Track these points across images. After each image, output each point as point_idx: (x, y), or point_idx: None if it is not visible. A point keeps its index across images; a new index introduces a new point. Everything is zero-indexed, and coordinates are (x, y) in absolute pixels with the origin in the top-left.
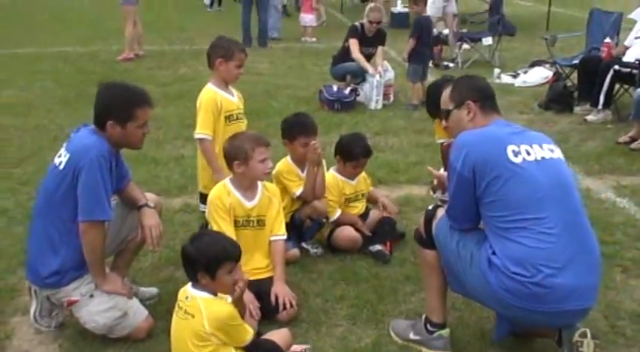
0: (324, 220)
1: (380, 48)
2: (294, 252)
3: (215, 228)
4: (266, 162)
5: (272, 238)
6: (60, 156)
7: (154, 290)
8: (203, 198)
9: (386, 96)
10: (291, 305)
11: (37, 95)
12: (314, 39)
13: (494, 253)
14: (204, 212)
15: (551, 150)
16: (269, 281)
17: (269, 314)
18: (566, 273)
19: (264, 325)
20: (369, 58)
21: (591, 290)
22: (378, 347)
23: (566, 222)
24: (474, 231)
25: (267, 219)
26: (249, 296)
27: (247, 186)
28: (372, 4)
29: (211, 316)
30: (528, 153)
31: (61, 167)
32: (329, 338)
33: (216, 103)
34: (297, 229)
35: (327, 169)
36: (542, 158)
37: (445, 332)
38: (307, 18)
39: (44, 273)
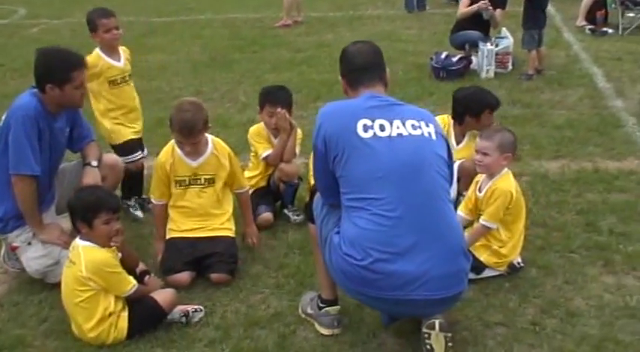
0: (297, 182)
1: (499, 10)
2: (267, 216)
3: (152, 187)
4: (182, 145)
5: (235, 192)
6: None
7: None
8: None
9: (502, 64)
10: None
11: (177, 59)
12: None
13: (338, 232)
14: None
15: (415, 127)
16: (220, 239)
17: (203, 273)
18: (405, 260)
19: (199, 283)
20: (487, 22)
21: (443, 279)
22: (278, 316)
23: (410, 205)
24: (338, 209)
25: (217, 178)
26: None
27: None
28: None
29: (88, 260)
30: (382, 129)
31: (1, 123)
32: (239, 304)
33: (99, 68)
34: (273, 193)
35: None
36: (399, 134)
37: (333, 309)
38: None
39: None
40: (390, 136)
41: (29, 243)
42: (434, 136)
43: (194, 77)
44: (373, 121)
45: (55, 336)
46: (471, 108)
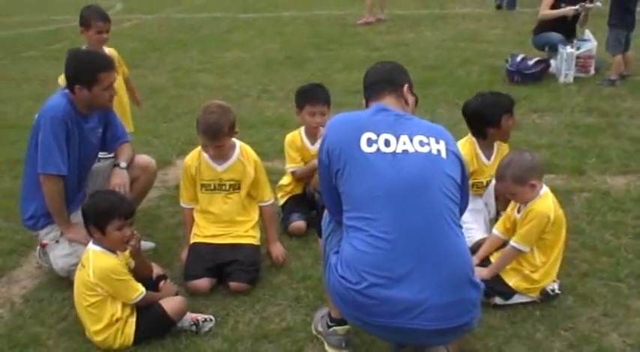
0: None
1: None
2: (299, 224)
3: (181, 190)
4: (207, 148)
5: (259, 204)
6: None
7: (151, 244)
8: None
9: (584, 68)
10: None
11: (252, 57)
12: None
13: (336, 252)
14: None
15: (423, 144)
16: (243, 247)
17: (224, 281)
18: (403, 286)
19: (219, 290)
20: (571, 24)
21: (444, 309)
22: (289, 331)
23: (410, 227)
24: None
25: (242, 184)
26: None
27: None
28: None
29: (96, 266)
30: (387, 144)
31: (34, 123)
32: (253, 315)
33: None
34: (308, 201)
35: None
36: (404, 151)
37: (342, 328)
38: None
39: (25, 216)
40: (394, 152)
41: (57, 241)
42: (444, 154)
43: (264, 75)
44: (378, 135)
45: (68, 336)
46: (488, 119)
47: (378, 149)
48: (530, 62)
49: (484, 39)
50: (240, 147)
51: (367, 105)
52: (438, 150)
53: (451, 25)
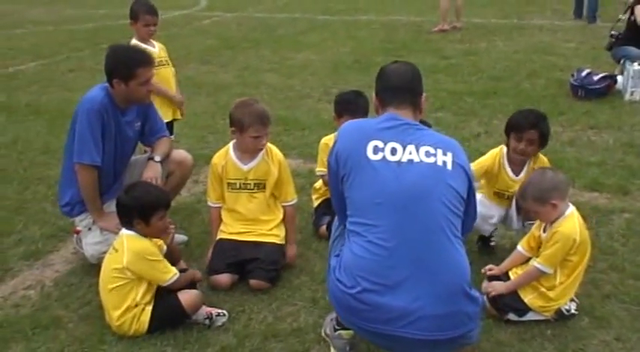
0: None
1: None
2: (324, 228)
3: (209, 188)
4: (259, 139)
5: (282, 204)
6: None
7: (184, 237)
8: None
9: None
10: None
11: (321, 59)
12: None
13: (337, 255)
14: None
15: (429, 154)
16: (265, 245)
17: (246, 278)
18: (396, 294)
19: (239, 287)
20: None
21: (437, 320)
22: (299, 332)
23: (408, 236)
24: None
25: (267, 184)
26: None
27: (244, 150)
28: None
29: (131, 248)
30: (393, 153)
31: (73, 113)
32: (268, 313)
33: None
34: None
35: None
36: (409, 161)
37: (347, 333)
38: None
39: (61, 203)
40: (399, 161)
41: (90, 229)
42: (449, 166)
43: (329, 78)
44: (385, 143)
45: (88, 321)
46: (506, 131)
47: (384, 157)
48: (596, 77)
49: (557, 52)
50: (267, 147)
51: (381, 107)
52: (444, 162)
53: (526, 36)
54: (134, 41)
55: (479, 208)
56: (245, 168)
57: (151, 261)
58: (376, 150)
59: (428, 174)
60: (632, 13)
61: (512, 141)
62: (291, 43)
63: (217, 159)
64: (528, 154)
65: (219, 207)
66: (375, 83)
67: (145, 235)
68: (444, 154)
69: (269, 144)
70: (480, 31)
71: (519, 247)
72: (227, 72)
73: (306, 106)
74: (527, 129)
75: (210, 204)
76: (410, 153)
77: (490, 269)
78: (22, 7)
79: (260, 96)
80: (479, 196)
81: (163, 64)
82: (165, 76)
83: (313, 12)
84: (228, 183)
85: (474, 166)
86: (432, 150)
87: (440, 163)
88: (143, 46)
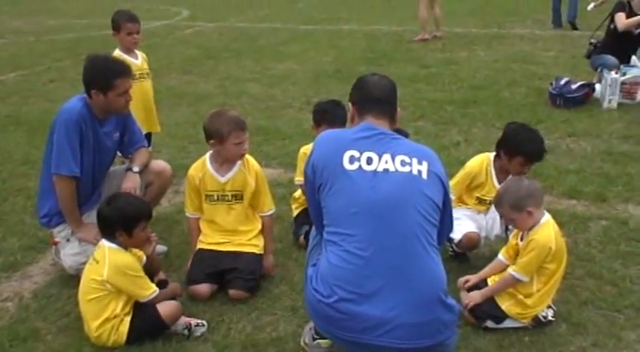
0: None
1: None
2: (303, 238)
3: (186, 200)
4: (241, 145)
5: (259, 215)
6: None
7: (163, 247)
8: None
9: (630, 94)
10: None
11: (303, 69)
12: None
13: (314, 265)
14: None
15: (404, 164)
16: (244, 255)
17: (225, 288)
18: (372, 303)
19: (219, 297)
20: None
21: (414, 328)
22: (278, 342)
23: (383, 245)
24: None
25: (245, 195)
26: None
27: (222, 162)
28: None
29: (112, 262)
30: (369, 162)
31: (51, 124)
32: (247, 323)
33: None
34: None
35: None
36: (385, 170)
37: (325, 342)
38: None
39: (40, 214)
40: (375, 171)
41: (68, 240)
42: (424, 175)
43: (310, 87)
44: (361, 153)
45: (67, 333)
46: (507, 146)
47: (360, 166)
48: (574, 86)
49: (536, 61)
50: (244, 158)
51: (359, 116)
52: (419, 171)
53: (506, 46)
54: (117, 52)
55: (474, 224)
56: (222, 179)
57: (132, 277)
58: (352, 159)
59: (403, 183)
60: (612, 20)
61: (513, 163)
62: (272, 52)
63: (194, 171)
64: (525, 173)
65: (198, 218)
66: (353, 92)
67: (126, 246)
68: (420, 163)
69: (247, 156)
70: (460, 40)
71: (500, 256)
72: (208, 82)
73: (287, 116)
74: (538, 160)
75: (188, 215)
76: (386, 163)
77: (466, 281)
78: (3, 17)
79: (241, 106)
80: (465, 211)
81: (144, 77)
82: (146, 89)
83: (295, 22)
84: (206, 195)
85: (462, 175)
86: (407, 159)
87: (415, 172)
88: (125, 56)
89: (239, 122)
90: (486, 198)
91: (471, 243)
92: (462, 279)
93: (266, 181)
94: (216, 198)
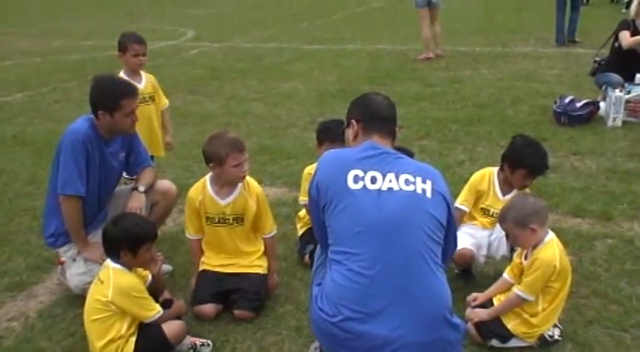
0: None
1: None
2: (307, 257)
3: (186, 221)
4: (240, 166)
5: (263, 236)
6: None
7: (169, 267)
8: None
9: (635, 113)
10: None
11: (307, 88)
12: None
13: (319, 284)
14: None
15: (409, 183)
16: (248, 276)
17: (230, 308)
18: (377, 322)
19: (224, 317)
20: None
21: (419, 348)
22: None
23: (388, 264)
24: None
25: (245, 218)
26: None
27: (222, 184)
28: None
29: (116, 284)
30: (373, 181)
31: (57, 144)
32: (252, 343)
33: None
34: None
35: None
36: (389, 189)
37: None
38: None
39: (46, 234)
40: (379, 190)
41: (74, 259)
42: (429, 194)
43: (315, 107)
44: (365, 172)
45: None
46: (510, 159)
47: (364, 186)
48: (579, 104)
49: (540, 79)
50: (245, 181)
51: (363, 134)
52: (423, 190)
53: (509, 64)
54: (122, 74)
55: (470, 240)
56: (223, 203)
57: (136, 298)
58: (356, 179)
59: (408, 202)
60: (617, 39)
61: (516, 176)
62: (277, 72)
63: (194, 193)
64: (527, 186)
65: (199, 239)
66: (356, 109)
67: (131, 266)
68: (424, 182)
69: (247, 178)
70: (464, 59)
71: (505, 275)
72: (213, 102)
73: (292, 135)
74: (540, 174)
75: (189, 236)
76: (390, 182)
77: (474, 300)
78: (10, 38)
79: (246, 126)
80: (468, 228)
81: (147, 101)
82: (148, 114)
83: (300, 42)
84: (207, 217)
85: (466, 187)
86: (411, 178)
87: (419, 191)
88: (131, 81)
89: (237, 143)
90: (490, 209)
91: (462, 259)
92: (470, 298)
93: (267, 203)
94: (217, 220)
